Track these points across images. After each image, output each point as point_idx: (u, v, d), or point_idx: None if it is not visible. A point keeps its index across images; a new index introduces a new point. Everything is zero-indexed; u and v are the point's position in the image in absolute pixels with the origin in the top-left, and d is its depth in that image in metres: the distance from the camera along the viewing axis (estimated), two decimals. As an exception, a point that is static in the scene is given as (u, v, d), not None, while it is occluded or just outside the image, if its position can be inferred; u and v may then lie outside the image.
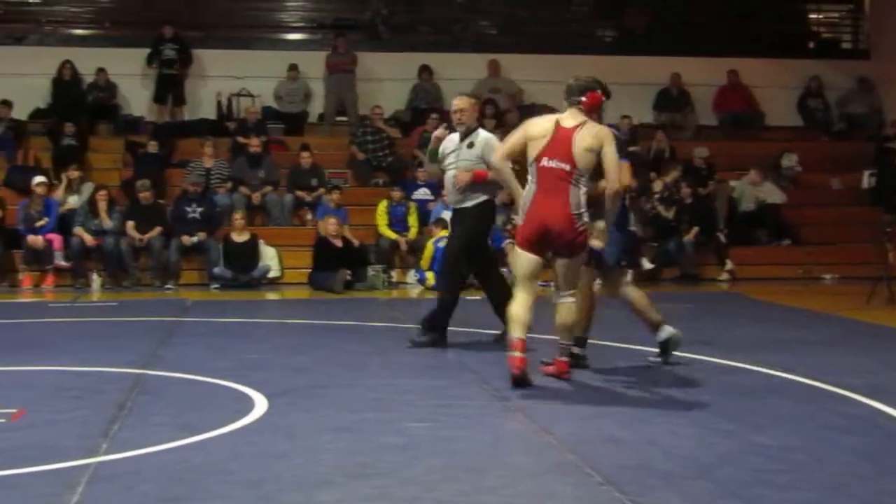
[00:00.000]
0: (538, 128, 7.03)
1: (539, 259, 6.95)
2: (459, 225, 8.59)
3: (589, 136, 6.86)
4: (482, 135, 8.52)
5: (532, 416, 6.07)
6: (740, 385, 7.13)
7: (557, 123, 6.94)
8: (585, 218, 6.82)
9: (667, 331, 7.75)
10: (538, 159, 6.91)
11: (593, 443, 5.47)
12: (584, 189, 6.83)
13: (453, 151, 8.51)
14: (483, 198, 8.47)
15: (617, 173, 6.84)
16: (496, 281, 8.77)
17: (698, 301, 12.87)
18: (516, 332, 6.80)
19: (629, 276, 8.14)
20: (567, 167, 6.82)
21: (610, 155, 6.84)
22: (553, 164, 6.87)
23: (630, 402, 6.55)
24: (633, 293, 7.75)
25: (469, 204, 8.46)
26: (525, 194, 6.99)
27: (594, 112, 7.05)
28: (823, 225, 16.68)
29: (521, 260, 6.99)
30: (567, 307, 6.96)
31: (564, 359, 7.07)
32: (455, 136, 8.56)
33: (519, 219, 6.98)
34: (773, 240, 16.41)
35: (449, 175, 8.54)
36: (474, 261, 8.70)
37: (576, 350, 7.47)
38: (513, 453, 5.36)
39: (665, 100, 18.68)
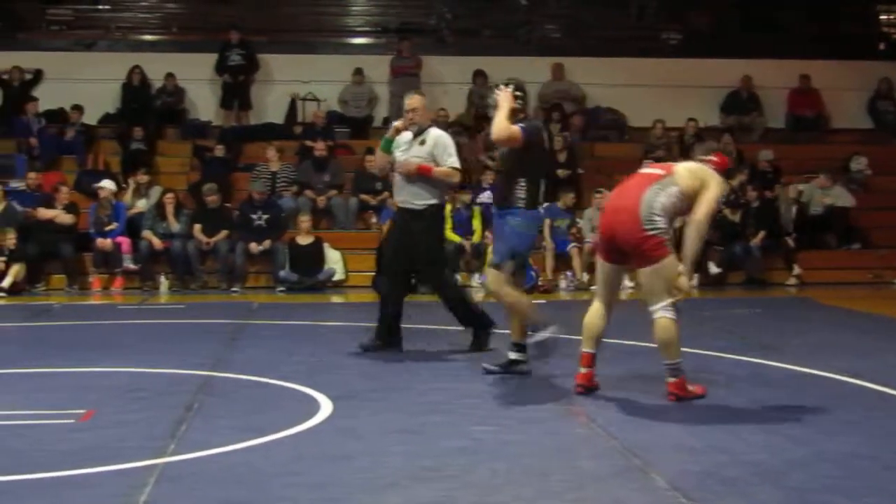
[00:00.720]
0: None
1: (613, 266, 6.69)
2: (412, 230, 8.37)
3: (701, 167, 6.58)
4: (433, 132, 8.47)
5: (596, 421, 6.03)
6: (809, 391, 7.04)
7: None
8: (661, 224, 6.39)
9: (524, 356, 7.48)
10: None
11: (658, 448, 5.43)
12: (666, 197, 6.41)
13: (405, 149, 8.44)
14: (433, 201, 8.37)
15: (702, 211, 6.40)
16: (400, 294, 8.66)
17: (766, 306, 12.74)
18: (584, 345, 6.70)
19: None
20: (660, 172, 6.60)
21: (708, 193, 6.42)
22: (648, 169, 6.77)
23: (696, 407, 6.47)
24: (524, 303, 7.48)
25: (418, 204, 8.33)
26: None
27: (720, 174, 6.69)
28: (894, 228, 16.41)
29: (597, 267, 6.86)
30: (661, 323, 6.46)
31: (673, 379, 6.57)
32: (408, 135, 8.49)
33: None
34: (842, 244, 16.18)
35: (399, 174, 8.48)
36: (405, 266, 8.59)
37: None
38: (577, 458, 5.32)
39: (734, 102, 18.50)
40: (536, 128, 7.44)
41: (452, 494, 4.63)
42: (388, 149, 8.62)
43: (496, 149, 7.62)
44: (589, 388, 6.69)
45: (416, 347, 8.70)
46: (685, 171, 6.56)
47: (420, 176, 8.31)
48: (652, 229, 6.38)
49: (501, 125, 7.12)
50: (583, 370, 6.70)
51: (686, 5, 19.64)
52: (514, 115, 7.23)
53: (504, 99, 7.20)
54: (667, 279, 6.42)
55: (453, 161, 8.37)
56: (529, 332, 7.41)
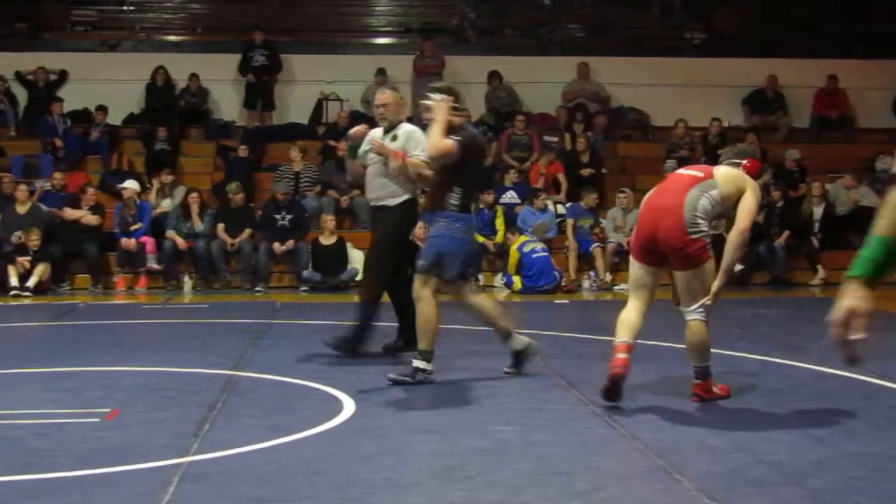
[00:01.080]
0: None
1: (648, 268, 6.52)
2: (381, 224, 8.35)
3: (738, 172, 6.53)
4: (405, 127, 8.37)
5: (619, 421, 6.01)
6: (834, 391, 7.00)
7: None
8: (704, 227, 6.30)
9: (520, 341, 7.49)
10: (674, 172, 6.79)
11: (682, 448, 5.40)
12: (707, 200, 6.33)
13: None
14: (406, 196, 8.29)
15: (747, 220, 6.35)
16: (403, 287, 8.61)
17: (790, 306, 12.68)
18: (621, 335, 6.43)
19: (470, 285, 7.49)
20: (699, 174, 6.51)
21: (749, 200, 6.39)
22: (685, 171, 6.69)
23: (720, 408, 6.45)
24: (480, 302, 7.39)
25: (391, 202, 8.25)
26: None
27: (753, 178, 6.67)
28: (920, 228, 16.28)
29: (630, 268, 6.70)
30: (694, 326, 6.41)
31: (699, 381, 6.53)
32: (378, 131, 8.40)
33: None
34: (867, 244, 16.06)
35: (371, 171, 8.36)
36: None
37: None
38: (600, 458, 5.30)
39: (758, 101, 18.41)
40: (472, 138, 7.35)
41: (475, 494, 4.63)
42: (354, 156, 8.57)
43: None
44: (626, 372, 6.30)
45: (438, 348, 8.69)
46: (724, 175, 6.50)
47: (390, 170, 8.20)
48: (696, 232, 6.29)
49: (435, 141, 7.08)
50: (621, 356, 6.32)
51: (710, 4, 19.56)
52: (450, 126, 7.13)
53: (441, 111, 7.11)
54: (704, 283, 6.36)
55: (426, 156, 8.32)
56: (416, 355, 7.25)
